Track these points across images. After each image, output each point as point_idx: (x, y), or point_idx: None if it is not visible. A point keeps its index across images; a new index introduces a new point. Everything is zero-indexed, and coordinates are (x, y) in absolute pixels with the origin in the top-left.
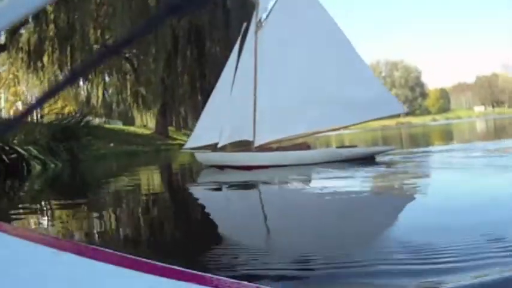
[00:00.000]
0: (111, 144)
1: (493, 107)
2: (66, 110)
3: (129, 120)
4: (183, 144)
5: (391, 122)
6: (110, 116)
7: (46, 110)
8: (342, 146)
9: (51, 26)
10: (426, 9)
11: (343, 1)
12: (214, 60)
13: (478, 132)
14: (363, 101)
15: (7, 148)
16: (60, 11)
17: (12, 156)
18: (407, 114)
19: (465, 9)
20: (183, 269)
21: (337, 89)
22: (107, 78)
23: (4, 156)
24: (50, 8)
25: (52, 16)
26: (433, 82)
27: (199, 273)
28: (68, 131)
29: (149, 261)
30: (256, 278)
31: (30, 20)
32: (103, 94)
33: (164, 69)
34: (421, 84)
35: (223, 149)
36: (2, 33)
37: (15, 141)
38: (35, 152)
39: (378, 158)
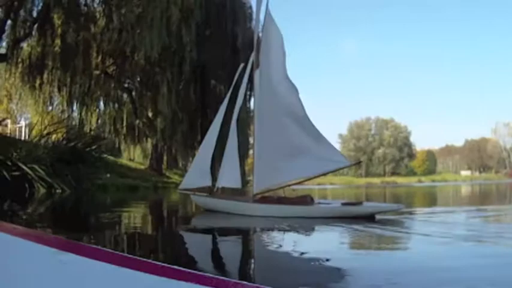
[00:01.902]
0: (108, 175)
1: (480, 172)
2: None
3: (115, 152)
4: (177, 184)
5: (376, 181)
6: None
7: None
8: (348, 203)
9: (57, 41)
10: (420, 67)
11: (336, 56)
12: (218, 99)
13: (461, 197)
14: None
15: (9, 164)
16: (70, 26)
17: (14, 173)
18: (392, 174)
19: (457, 73)
20: (183, 269)
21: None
22: (101, 107)
23: (5, 173)
24: (58, 22)
25: (59, 30)
26: (420, 143)
27: (199, 273)
28: (76, 153)
29: (149, 261)
30: None
31: (33, 32)
32: (96, 122)
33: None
34: (409, 145)
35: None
36: (4, 42)
37: (16, 157)
38: (41, 172)
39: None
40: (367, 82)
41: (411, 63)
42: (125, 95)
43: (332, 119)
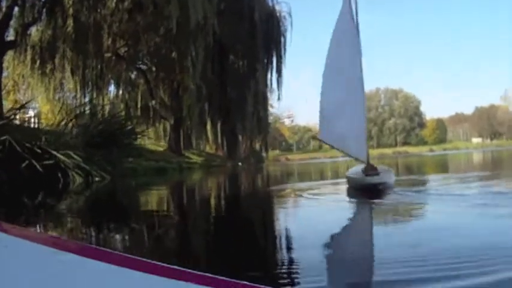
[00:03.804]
0: (130, 159)
1: (491, 139)
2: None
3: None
4: (201, 163)
5: (388, 151)
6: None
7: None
8: None
9: (70, 21)
10: (428, 38)
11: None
12: (237, 75)
13: (474, 164)
14: None
15: (38, 151)
16: (82, 5)
17: (47, 162)
18: (404, 143)
19: (465, 41)
20: (183, 269)
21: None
22: (113, 90)
23: (35, 162)
24: (69, 2)
25: (71, 11)
26: (430, 112)
27: (199, 273)
28: (108, 135)
29: (150, 261)
30: None
31: (43, 17)
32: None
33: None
34: (419, 114)
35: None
36: (11, 27)
37: (45, 144)
38: (77, 159)
39: None
40: (375, 53)
41: (419, 34)
42: (138, 76)
43: None
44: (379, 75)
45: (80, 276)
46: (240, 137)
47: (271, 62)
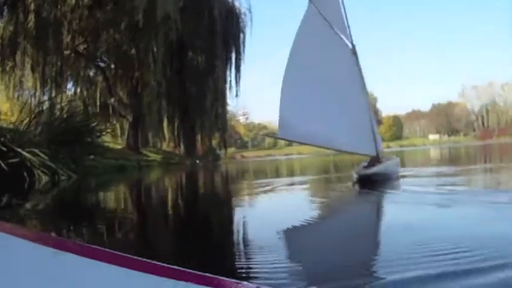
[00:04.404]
0: (91, 157)
1: (449, 135)
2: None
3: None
4: (159, 161)
5: None
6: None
7: None
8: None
9: (31, 16)
10: (383, 36)
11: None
12: (196, 72)
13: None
14: None
15: (3, 149)
16: (45, 1)
17: (12, 161)
18: None
19: (422, 39)
20: (183, 269)
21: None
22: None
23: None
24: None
25: (32, 6)
26: (386, 109)
27: (200, 273)
28: (72, 133)
29: (149, 261)
30: None
31: (4, 14)
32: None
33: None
34: (375, 111)
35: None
36: None
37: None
38: (43, 157)
39: None
40: None
41: (374, 31)
42: (97, 74)
43: None
44: None
45: (80, 276)
46: (198, 135)
47: (230, 59)
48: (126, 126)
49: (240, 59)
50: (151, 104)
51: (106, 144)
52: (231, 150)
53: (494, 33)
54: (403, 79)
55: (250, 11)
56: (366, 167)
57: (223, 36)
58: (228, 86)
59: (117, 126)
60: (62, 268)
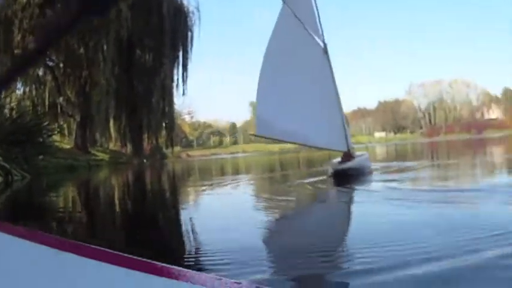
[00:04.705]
0: (41, 157)
1: (395, 133)
2: None
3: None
4: (108, 161)
5: (290, 146)
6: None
7: None
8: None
9: None
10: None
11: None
12: (144, 70)
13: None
14: None
15: None
16: None
17: None
18: None
19: (368, 37)
20: (183, 269)
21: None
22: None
23: None
24: None
25: None
26: None
27: (200, 273)
28: (23, 132)
29: (150, 261)
30: None
31: None
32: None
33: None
34: None
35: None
36: None
37: None
38: None
39: None
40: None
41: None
42: (46, 73)
43: (244, 88)
44: None
45: (80, 276)
46: (145, 134)
47: (178, 57)
48: (74, 125)
49: (187, 58)
50: (101, 103)
51: (55, 144)
52: (177, 149)
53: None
54: (347, 76)
55: (198, 10)
56: (341, 162)
57: (172, 35)
58: (175, 84)
59: (65, 126)
60: (62, 268)
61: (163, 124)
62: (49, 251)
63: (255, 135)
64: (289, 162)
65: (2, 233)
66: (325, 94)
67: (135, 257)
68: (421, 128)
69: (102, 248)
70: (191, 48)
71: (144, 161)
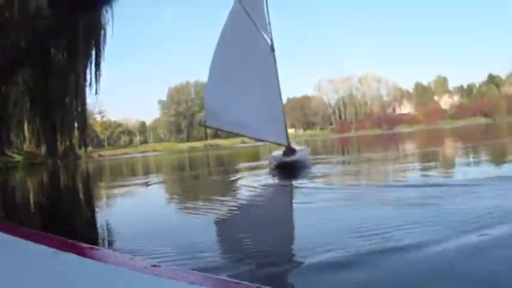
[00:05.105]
0: None
1: (304, 129)
2: None
3: None
4: (23, 162)
5: (199, 144)
6: None
7: None
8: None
9: None
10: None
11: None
12: (57, 69)
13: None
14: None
15: None
16: None
17: None
18: (214, 136)
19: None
20: (183, 269)
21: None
22: None
23: None
24: None
25: None
26: None
27: (200, 273)
28: None
29: (149, 261)
30: None
31: None
32: None
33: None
34: None
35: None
36: None
37: None
38: None
39: None
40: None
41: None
42: None
43: (151, 85)
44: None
45: (80, 276)
46: (59, 134)
47: (91, 56)
48: None
49: (100, 57)
50: (17, 103)
51: None
52: (88, 149)
53: None
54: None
55: (112, 8)
56: (284, 156)
57: (84, 32)
58: (88, 83)
59: None
60: (62, 268)
61: (75, 124)
62: (49, 251)
63: (205, 126)
64: (197, 160)
65: (3, 233)
66: (271, 90)
67: (135, 257)
68: (331, 124)
69: (102, 248)
70: (104, 47)
71: (58, 161)
